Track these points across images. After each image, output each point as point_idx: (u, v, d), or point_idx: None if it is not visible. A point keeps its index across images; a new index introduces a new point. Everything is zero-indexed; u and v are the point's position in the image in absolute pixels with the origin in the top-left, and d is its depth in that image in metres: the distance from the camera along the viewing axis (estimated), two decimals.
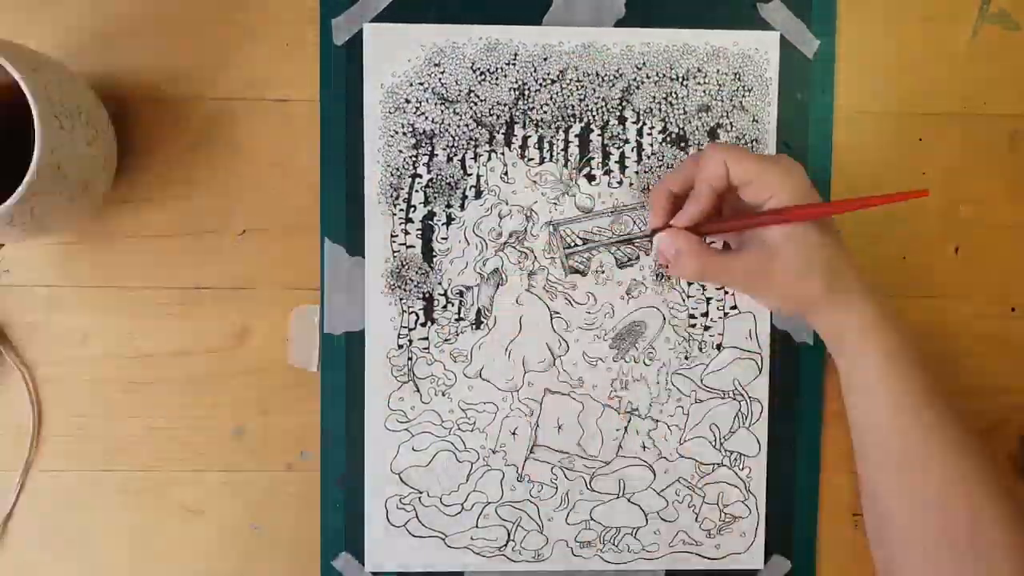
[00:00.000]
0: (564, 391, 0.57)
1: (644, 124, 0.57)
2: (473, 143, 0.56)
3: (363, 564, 0.57)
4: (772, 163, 0.48)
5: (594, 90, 0.56)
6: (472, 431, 0.57)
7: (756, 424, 0.58)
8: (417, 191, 0.56)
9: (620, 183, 0.57)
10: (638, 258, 0.57)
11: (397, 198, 0.56)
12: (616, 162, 0.57)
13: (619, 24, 0.56)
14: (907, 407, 0.48)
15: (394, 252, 0.56)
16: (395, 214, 0.56)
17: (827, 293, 0.48)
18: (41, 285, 0.56)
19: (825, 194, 0.57)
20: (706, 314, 0.57)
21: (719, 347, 0.57)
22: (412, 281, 0.57)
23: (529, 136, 0.56)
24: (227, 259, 0.57)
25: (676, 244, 0.50)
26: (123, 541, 0.57)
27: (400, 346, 0.57)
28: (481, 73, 0.56)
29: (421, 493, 0.57)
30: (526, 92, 0.56)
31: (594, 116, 0.56)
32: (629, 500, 0.58)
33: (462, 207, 0.56)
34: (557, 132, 0.56)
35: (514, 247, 0.57)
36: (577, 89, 0.56)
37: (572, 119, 0.56)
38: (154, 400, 0.57)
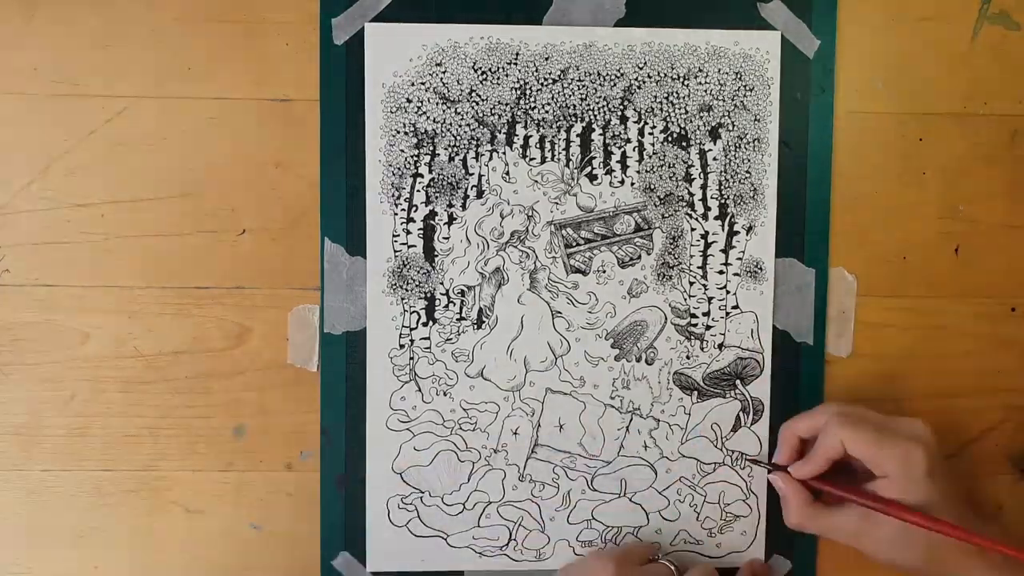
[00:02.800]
0: (566, 391, 0.57)
1: (645, 123, 0.57)
2: (475, 143, 0.56)
3: (364, 564, 0.57)
4: (890, 445, 0.50)
5: (595, 90, 0.56)
6: (473, 431, 0.57)
7: (757, 423, 0.58)
8: (419, 191, 0.56)
9: (622, 183, 0.57)
10: (640, 257, 0.57)
11: (399, 198, 0.56)
12: (618, 162, 0.57)
13: (620, 24, 0.56)
14: None
15: (396, 252, 0.56)
16: (397, 214, 0.56)
17: (926, 564, 0.51)
18: (41, 285, 0.56)
19: (823, 194, 0.57)
20: (707, 313, 0.57)
21: (721, 346, 0.58)
22: (414, 281, 0.56)
23: (530, 136, 0.56)
24: (226, 258, 0.57)
25: (785, 493, 0.54)
26: (123, 541, 0.57)
27: (401, 346, 0.57)
28: (482, 73, 0.56)
29: (423, 493, 0.57)
30: (527, 92, 0.56)
31: (595, 116, 0.56)
32: (630, 499, 0.58)
33: (464, 207, 0.56)
34: (559, 132, 0.56)
35: (515, 247, 0.57)
36: (578, 89, 0.56)
37: (573, 119, 0.56)
38: (154, 400, 0.57)
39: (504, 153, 0.56)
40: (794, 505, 0.54)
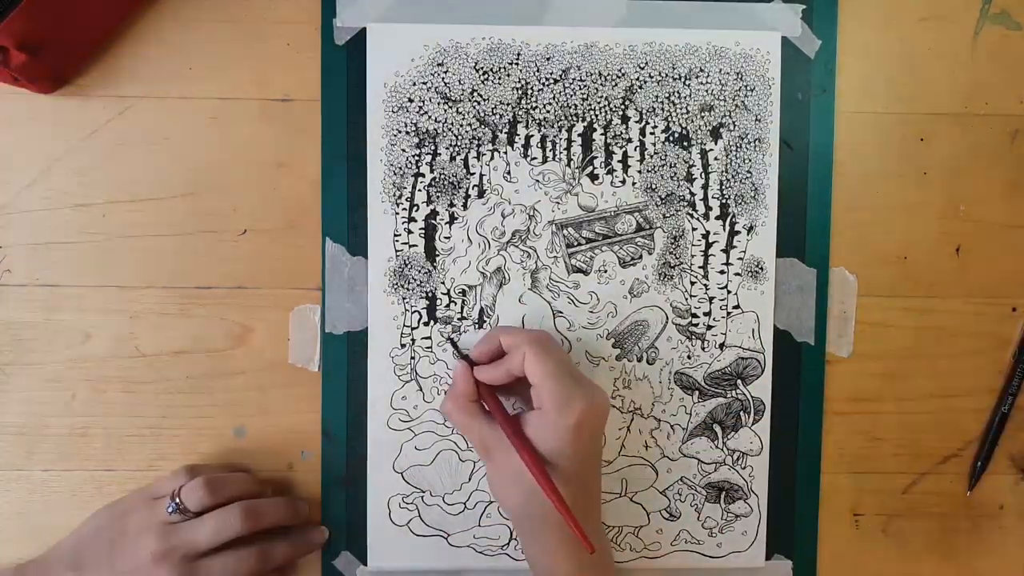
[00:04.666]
0: None
1: (647, 123, 0.57)
2: (476, 142, 0.56)
3: (365, 563, 0.57)
4: (558, 382, 0.49)
5: (597, 89, 0.56)
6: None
7: (758, 423, 0.58)
8: (420, 190, 0.56)
9: (623, 182, 0.57)
10: (641, 257, 0.57)
11: (400, 197, 0.56)
12: (619, 161, 0.57)
13: (621, 24, 0.56)
14: None
15: (397, 251, 0.56)
16: (398, 213, 0.56)
17: (523, 511, 0.50)
18: (42, 285, 0.56)
19: (824, 194, 0.57)
20: (709, 313, 0.57)
21: (722, 346, 0.58)
22: (415, 280, 0.56)
23: (532, 135, 0.56)
24: (228, 259, 0.57)
25: (456, 380, 0.53)
26: None
27: (403, 345, 0.57)
28: (484, 72, 0.56)
29: (424, 492, 0.57)
30: (529, 91, 0.56)
31: (597, 115, 0.56)
32: (631, 499, 0.58)
33: (465, 206, 0.56)
34: (560, 131, 0.56)
35: (517, 246, 0.57)
36: (580, 88, 0.56)
37: (575, 118, 0.56)
38: (154, 400, 0.57)
39: (505, 153, 0.56)
40: (454, 392, 0.53)
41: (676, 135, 0.57)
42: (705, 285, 0.57)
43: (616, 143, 0.57)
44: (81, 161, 0.56)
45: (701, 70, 0.57)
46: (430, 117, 0.56)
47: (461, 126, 0.56)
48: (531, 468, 0.48)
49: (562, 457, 0.49)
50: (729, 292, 0.57)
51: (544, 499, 0.48)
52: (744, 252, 0.57)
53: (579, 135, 0.56)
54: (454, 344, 0.56)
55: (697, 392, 0.58)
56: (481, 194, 0.56)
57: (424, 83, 0.56)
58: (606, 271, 0.57)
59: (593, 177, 0.57)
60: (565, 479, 0.49)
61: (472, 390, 0.52)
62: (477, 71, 0.56)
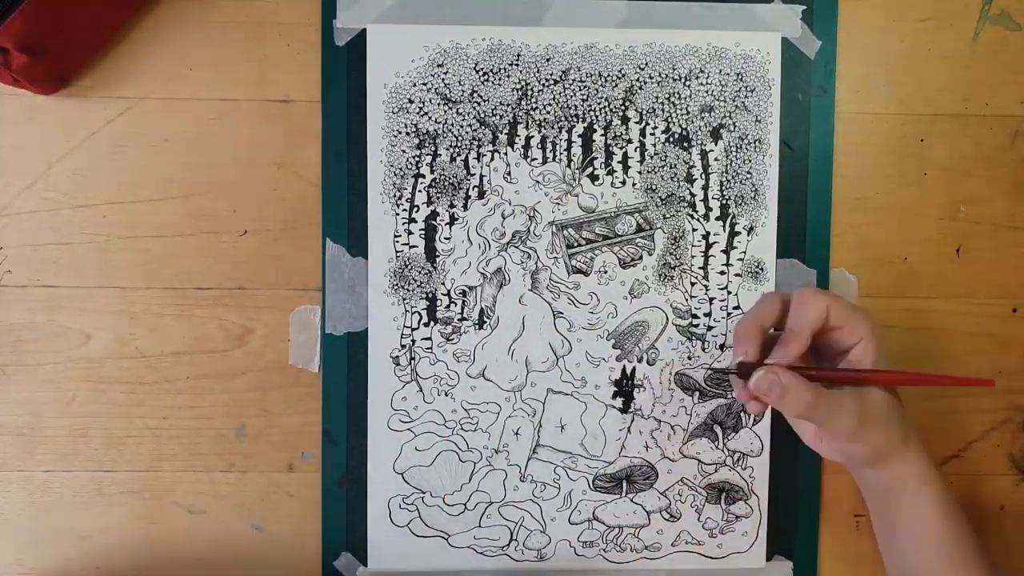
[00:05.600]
0: (567, 391, 0.57)
1: (647, 124, 0.57)
2: (476, 143, 0.56)
3: (365, 564, 0.57)
4: (863, 313, 0.49)
5: (597, 90, 0.56)
6: (475, 431, 0.57)
7: (759, 424, 0.58)
8: (420, 191, 0.56)
9: (623, 183, 0.57)
10: (641, 258, 0.57)
11: (400, 198, 0.56)
12: (619, 162, 0.57)
13: (621, 25, 0.56)
14: (957, 558, 0.51)
15: (397, 252, 0.56)
16: (398, 214, 0.56)
17: (901, 445, 0.50)
18: (41, 285, 0.56)
19: (824, 195, 0.57)
20: (709, 314, 0.57)
21: (722, 347, 0.58)
22: (415, 281, 0.56)
23: (532, 136, 0.56)
24: (228, 259, 0.57)
25: (783, 381, 0.47)
26: (125, 542, 0.57)
27: (403, 346, 0.57)
28: (484, 73, 0.56)
29: (424, 493, 0.57)
30: (529, 92, 0.56)
31: (597, 116, 0.56)
32: (632, 500, 0.58)
33: (465, 207, 0.56)
34: (560, 132, 0.56)
35: (517, 247, 0.57)
36: (580, 89, 0.56)
37: (575, 119, 0.56)
38: (155, 400, 0.57)
39: (506, 154, 0.56)
40: (799, 387, 0.47)
41: (676, 136, 0.57)
42: (705, 286, 0.57)
43: (616, 144, 0.57)
44: (81, 162, 0.56)
45: (701, 71, 0.57)
46: (430, 118, 0.56)
47: (461, 127, 0.56)
48: (915, 380, 0.50)
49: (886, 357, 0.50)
50: (729, 293, 0.57)
51: (899, 416, 0.50)
52: (744, 253, 0.57)
53: (579, 136, 0.56)
54: (737, 370, 0.49)
55: (697, 393, 0.58)
56: (481, 195, 0.56)
57: (424, 84, 0.56)
58: (606, 272, 0.57)
59: (593, 178, 0.57)
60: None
61: (799, 378, 0.47)
62: (477, 72, 0.56)
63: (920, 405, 0.59)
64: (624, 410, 0.57)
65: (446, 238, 0.56)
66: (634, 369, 0.57)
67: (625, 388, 0.57)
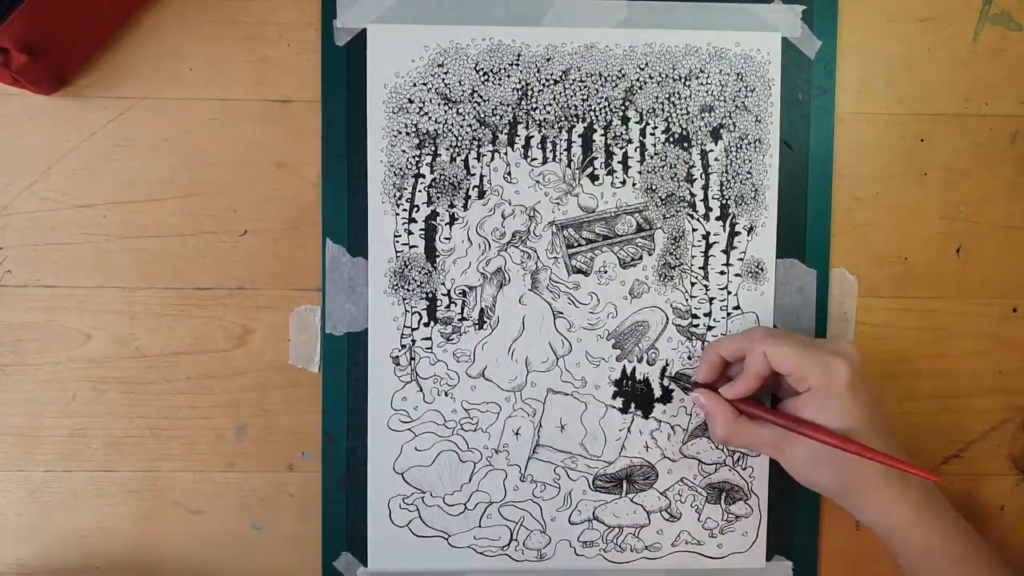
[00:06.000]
0: (567, 391, 0.57)
1: (647, 124, 0.57)
2: (476, 143, 0.56)
3: (365, 564, 0.57)
4: (811, 356, 0.50)
5: (597, 90, 0.56)
6: (475, 431, 0.57)
7: None
8: (420, 191, 0.56)
9: (623, 183, 0.57)
10: (641, 258, 0.57)
11: (400, 198, 0.56)
12: (619, 162, 0.57)
13: (621, 25, 0.56)
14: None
15: (397, 252, 0.56)
16: (398, 214, 0.56)
17: (843, 486, 0.51)
18: (41, 285, 0.56)
19: (824, 195, 0.57)
20: (709, 314, 0.57)
21: None
22: (415, 281, 0.56)
23: (532, 136, 0.56)
24: (228, 260, 0.57)
25: (707, 408, 0.53)
26: (125, 542, 0.57)
27: (403, 346, 0.57)
28: (484, 73, 0.56)
29: (424, 493, 0.57)
30: (529, 92, 0.56)
31: (597, 116, 0.56)
32: (632, 500, 0.58)
33: (465, 207, 0.56)
34: (560, 132, 0.56)
35: (517, 247, 0.57)
36: (580, 89, 0.56)
37: (575, 119, 0.56)
38: (154, 400, 0.57)
39: (506, 154, 0.56)
40: (721, 419, 0.52)
41: (676, 136, 0.57)
42: (705, 286, 0.57)
43: (616, 144, 0.57)
44: (82, 162, 0.56)
45: (701, 71, 0.57)
46: (430, 118, 0.56)
47: (461, 127, 0.56)
48: (839, 446, 0.48)
49: (853, 419, 0.49)
50: (729, 293, 0.57)
51: (859, 465, 0.49)
52: (744, 253, 0.57)
53: (579, 136, 0.56)
54: (680, 379, 0.57)
55: None
56: (481, 195, 0.56)
57: (424, 84, 0.56)
58: (606, 272, 0.57)
59: (593, 178, 0.57)
60: (867, 434, 0.49)
61: (732, 410, 0.52)
62: (477, 72, 0.56)
63: (919, 405, 0.59)
64: (624, 410, 0.57)
65: (446, 238, 0.56)
66: (634, 369, 0.57)
67: (625, 388, 0.57)
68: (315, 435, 0.57)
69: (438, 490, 0.57)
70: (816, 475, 0.51)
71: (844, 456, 0.49)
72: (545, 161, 0.56)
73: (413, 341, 0.57)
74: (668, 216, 0.57)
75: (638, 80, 0.56)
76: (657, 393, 0.58)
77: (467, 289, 0.57)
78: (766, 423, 0.52)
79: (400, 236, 0.56)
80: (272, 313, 0.57)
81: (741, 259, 0.57)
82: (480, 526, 0.58)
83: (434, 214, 0.56)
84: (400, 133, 0.56)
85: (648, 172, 0.57)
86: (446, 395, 0.57)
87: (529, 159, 0.56)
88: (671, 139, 0.57)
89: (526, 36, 0.56)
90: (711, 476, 0.58)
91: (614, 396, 0.57)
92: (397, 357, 0.57)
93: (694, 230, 0.57)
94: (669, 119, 0.57)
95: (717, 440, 0.53)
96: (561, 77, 0.56)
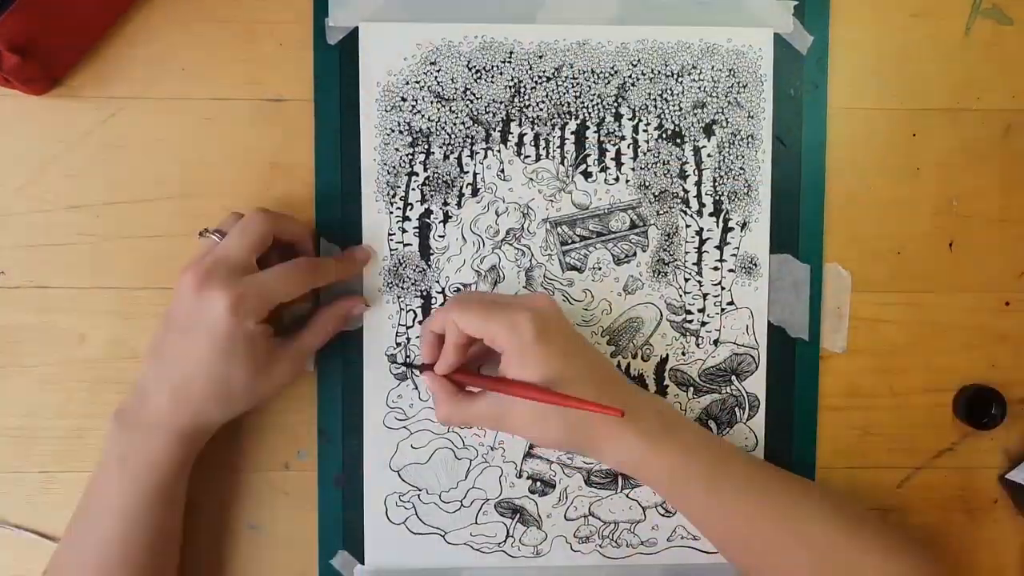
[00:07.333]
0: None
1: (640, 121, 0.57)
2: (469, 141, 0.56)
3: (362, 562, 0.57)
4: (497, 318, 0.49)
5: (590, 87, 0.56)
6: (471, 428, 0.57)
7: (753, 419, 0.58)
8: (414, 189, 0.56)
9: (616, 180, 0.57)
10: (635, 254, 0.57)
11: (394, 196, 0.56)
12: (612, 159, 0.57)
13: (614, 21, 0.56)
14: (712, 507, 0.52)
15: (391, 250, 0.56)
16: (392, 212, 0.56)
17: (570, 436, 0.50)
18: (35, 286, 0.56)
19: (817, 190, 0.57)
20: (703, 310, 0.58)
21: (716, 342, 0.58)
22: (410, 279, 0.57)
23: (525, 133, 0.56)
24: None
25: (433, 390, 0.53)
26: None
27: (398, 344, 0.57)
28: (477, 71, 0.56)
29: (420, 490, 0.57)
30: (522, 90, 0.56)
31: (590, 113, 0.56)
32: (627, 495, 0.58)
33: (459, 205, 0.56)
34: (553, 129, 0.56)
35: (511, 244, 0.57)
36: (573, 86, 0.56)
37: (568, 116, 0.56)
38: None
39: (499, 151, 0.56)
40: (439, 399, 0.52)
41: (669, 132, 0.57)
42: (699, 282, 0.57)
43: (609, 141, 0.57)
44: (74, 162, 0.56)
45: (693, 67, 0.57)
46: (423, 116, 0.56)
47: (454, 125, 0.56)
48: (536, 398, 0.48)
49: (551, 369, 0.49)
50: (723, 288, 0.58)
51: (574, 413, 0.49)
52: (738, 248, 0.57)
53: (572, 133, 0.56)
54: (408, 365, 0.56)
55: (692, 388, 0.58)
56: (475, 193, 0.56)
57: (417, 82, 0.56)
58: (600, 268, 0.57)
59: (586, 175, 0.57)
60: (569, 381, 0.49)
61: (450, 388, 0.52)
62: (470, 69, 0.56)
63: (912, 399, 0.59)
64: None
65: (440, 236, 0.57)
66: (628, 365, 0.58)
67: None
68: (311, 434, 0.57)
69: (434, 487, 0.57)
70: (544, 433, 0.51)
71: (557, 410, 0.49)
72: (538, 158, 0.57)
73: (408, 339, 0.57)
74: (661, 212, 0.57)
75: (631, 77, 0.56)
76: (652, 388, 0.58)
77: (462, 287, 0.57)
78: (482, 396, 0.51)
79: (394, 234, 0.56)
80: None
81: (735, 255, 0.57)
82: (476, 523, 0.58)
83: (428, 212, 0.56)
84: (393, 131, 0.56)
85: (641, 168, 0.57)
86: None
87: (522, 156, 0.56)
88: (664, 135, 0.57)
89: (518, 33, 0.56)
90: None
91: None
92: (392, 355, 0.57)
93: (687, 226, 0.57)
94: (662, 115, 0.57)
95: (439, 421, 0.53)
96: (554, 74, 0.56)
